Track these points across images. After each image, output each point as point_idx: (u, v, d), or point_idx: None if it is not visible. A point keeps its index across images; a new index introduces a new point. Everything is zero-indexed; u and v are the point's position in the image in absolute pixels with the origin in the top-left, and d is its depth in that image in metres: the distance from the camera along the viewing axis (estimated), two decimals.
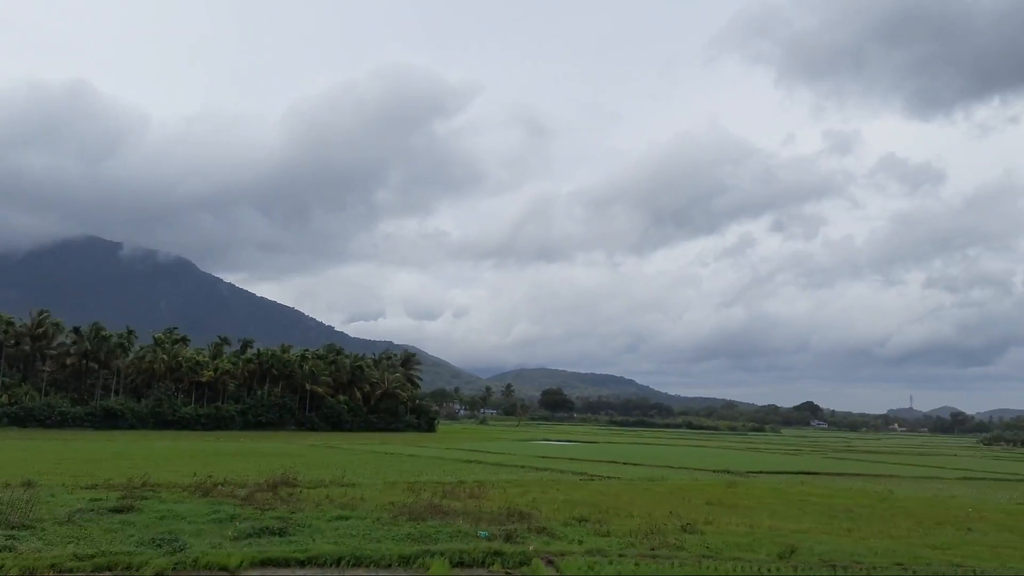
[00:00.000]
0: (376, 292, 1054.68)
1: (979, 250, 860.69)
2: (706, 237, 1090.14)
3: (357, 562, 14.07)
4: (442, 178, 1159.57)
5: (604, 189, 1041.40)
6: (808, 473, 46.01)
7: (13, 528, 16.76)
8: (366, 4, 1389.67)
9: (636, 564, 13.52)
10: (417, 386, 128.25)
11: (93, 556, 14.09)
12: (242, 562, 13.82)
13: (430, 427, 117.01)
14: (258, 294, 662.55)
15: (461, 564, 13.93)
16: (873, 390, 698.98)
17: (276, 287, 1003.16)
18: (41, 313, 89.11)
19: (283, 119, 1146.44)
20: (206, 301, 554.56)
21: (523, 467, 44.71)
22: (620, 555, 14.21)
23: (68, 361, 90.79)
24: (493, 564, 13.95)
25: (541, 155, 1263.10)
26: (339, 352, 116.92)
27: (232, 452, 52.47)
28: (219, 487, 25.90)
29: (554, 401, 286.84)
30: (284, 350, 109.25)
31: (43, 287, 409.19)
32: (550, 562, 13.78)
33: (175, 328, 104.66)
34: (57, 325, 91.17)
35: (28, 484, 28.02)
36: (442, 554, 14.24)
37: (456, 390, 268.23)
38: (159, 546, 15.40)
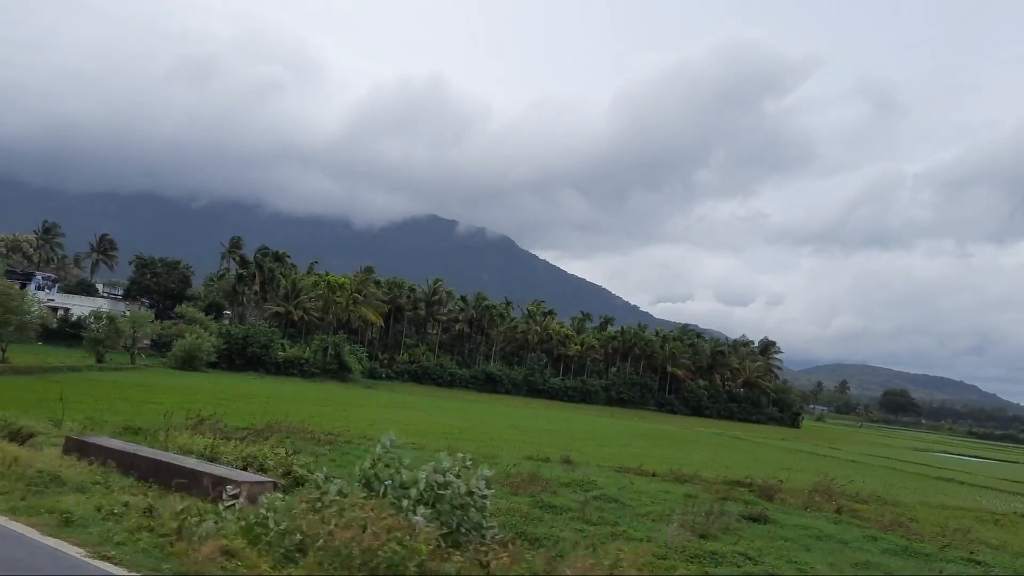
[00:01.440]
0: (685, 274, 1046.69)
1: None
2: None
3: None
4: (768, 158, 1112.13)
5: (960, 168, 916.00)
6: None
7: (702, 536, 14.39)
8: None
9: None
10: (777, 376, 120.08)
11: None
12: None
13: (793, 422, 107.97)
14: (569, 271, 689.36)
15: None
16: None
17: (587, 265, 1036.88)
18: (436, 281, 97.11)
19: (613, 102, 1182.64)
20: (522, 276, 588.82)
21: None
22: None
23: (457, 327, 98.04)
24: None
25: (885, 131, 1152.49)
26: (698, 335, 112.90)
27: (653, 435, 50.59)
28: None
29: (896, 403, 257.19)
30: (642, 329, 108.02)
31: (392, 257, 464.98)
32: None
33: (542, 301, 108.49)
34: (449, 293, 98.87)
35: (567, 461, 27.05)
36: None
37: (785, 382, 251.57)
38: None
